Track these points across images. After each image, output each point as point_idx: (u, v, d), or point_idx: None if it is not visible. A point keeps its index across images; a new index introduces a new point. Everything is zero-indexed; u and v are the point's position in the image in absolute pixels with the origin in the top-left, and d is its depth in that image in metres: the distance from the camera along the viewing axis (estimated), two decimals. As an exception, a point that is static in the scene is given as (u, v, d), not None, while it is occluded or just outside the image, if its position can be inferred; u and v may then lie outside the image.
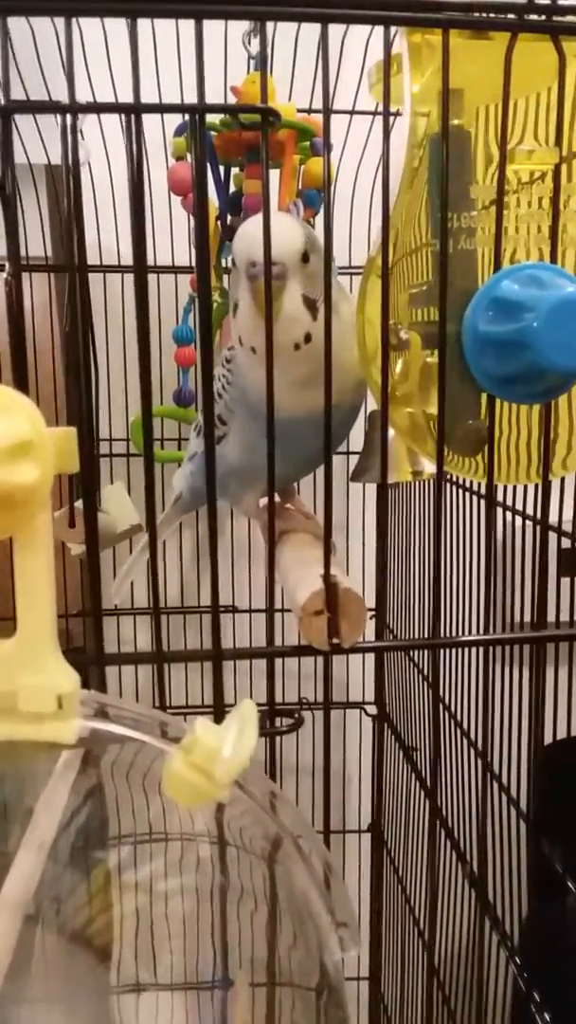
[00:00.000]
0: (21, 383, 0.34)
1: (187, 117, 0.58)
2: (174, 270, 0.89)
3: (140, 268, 0.34)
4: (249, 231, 0.47)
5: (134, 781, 0.34)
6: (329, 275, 0.40)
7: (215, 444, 0.53)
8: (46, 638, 0.31)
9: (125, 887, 0.37)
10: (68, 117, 0.32)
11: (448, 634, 0.73)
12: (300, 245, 0.47)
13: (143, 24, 0.38)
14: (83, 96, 0.71)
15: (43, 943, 0.36)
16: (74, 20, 0.33)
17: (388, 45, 0.35)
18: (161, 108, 0.37)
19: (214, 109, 0.34)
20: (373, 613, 0.43)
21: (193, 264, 0.84)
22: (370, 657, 0.95)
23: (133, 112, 0.32)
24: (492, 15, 0.35)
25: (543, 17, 0.35)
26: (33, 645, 0.31)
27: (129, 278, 0.90)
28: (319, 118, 0.67)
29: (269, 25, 0.35)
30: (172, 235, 0.88)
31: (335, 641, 0.40)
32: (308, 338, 0.47)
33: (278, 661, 0.43)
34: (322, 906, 0.34)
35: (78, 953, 0.36)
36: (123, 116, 0.33)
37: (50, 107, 0.32)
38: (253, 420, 0.52)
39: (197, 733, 0.30)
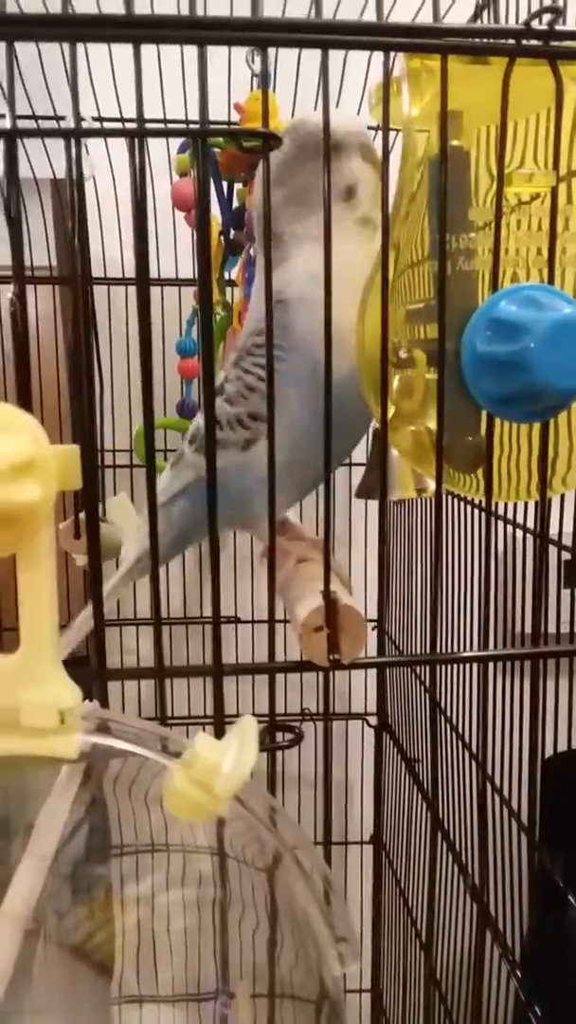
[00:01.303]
0: (25, 401, 0.34)
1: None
2: (178, 283, 0.90)
3: (143, 288, 0.35)
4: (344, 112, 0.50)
5: (135, 796, 0.34)
6: (330, 268, 0.39)
7: (241, 450, 0.50)
8: (49, 653, 0.31)
9: (126, 901, 0.37)
10: (73, 142, 0.32)
11: (449, 646, 0.73)
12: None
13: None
14: (88, 108, 0.71)
15: (43, 956, 0.36)
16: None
17: (387, 70, 0.35)
18: (165, 133, 0.38)
19: (216, 133, 0.35)
20: (375, 625, 0.44)
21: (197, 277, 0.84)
22: (372, 669, 0.95)
23: (137, 136, 0.33)
24: (490, 40, 0.35)
25: (541, 42, 0.35)
26: (36, 660, 0.31)
27: (133, 290, 0.91)
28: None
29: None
30: (176, 247, 0.88)
31: (335, 657, 0.40)
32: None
33: (279, 674, 0.43)
34: (322, 921, 0.34)
35: (78, 967, 0.36)
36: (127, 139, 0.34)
37: (55, 132, 0.33)
38: (312, 388, 0.45)
39: (197, 748, 0.30)
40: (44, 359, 0.88)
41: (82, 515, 0.69)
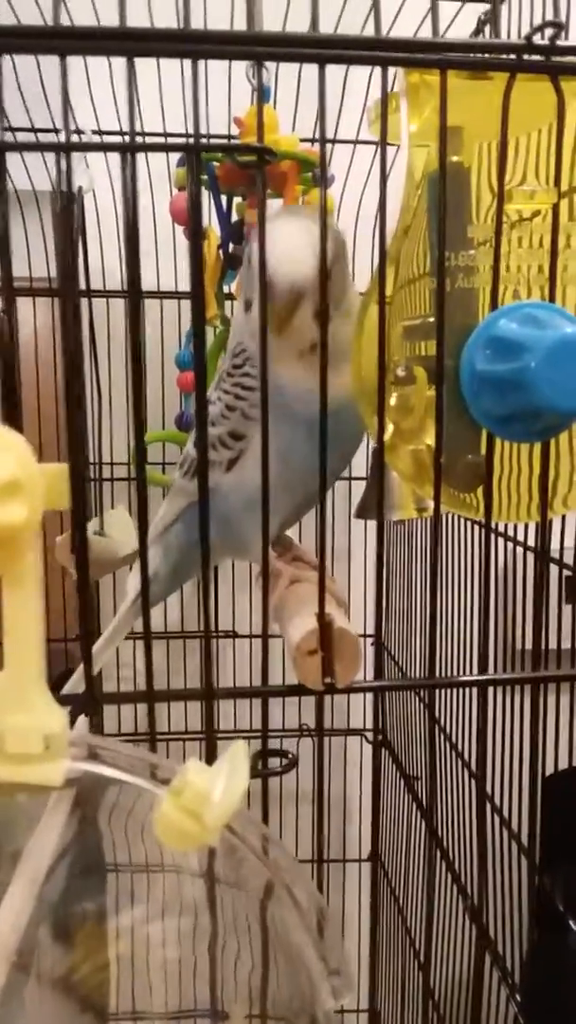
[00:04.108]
0: (13, 420, 0.33)
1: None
2: (177, 295, 0.89)
3: (135, 301, 0.34)
4: (271, 252, 0.43)
5: (124, 825, 0.34)
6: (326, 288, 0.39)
7: (225, 471, 0.50)
8: (34, 678, 0.31)
9: (113, 933, 0.36)
10: (63, 157, 0.32)
11: (450, 664, 0.72)
12: (314, 268, 0.44)
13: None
14: (87, 121, 0.71)
15: (28, 987, 0.35)
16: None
17: (385, 85, 0.34)
18: (157, 147, 0.37)
19: (209, 148, 0.34)
20: (373, 640, 0.43)
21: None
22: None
23: (128, 151, 0.32)
24: (490, 55, 0.35)
25: (542, 57, 0.35)
26: (20, 684, 0.31)
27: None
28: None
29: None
30: (176, 260, 0.88)
31: (329, 681, 0.39)
32: (312, 348, 0.45)
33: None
34: (314, 953, 0.33)
35: (61, 1002, 0.35)
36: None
37: (45, 147, 0.32)
38: (286, 421, 0.46)
39: (188, 776, 0.30)
40: (42, 373, 0.88)
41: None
